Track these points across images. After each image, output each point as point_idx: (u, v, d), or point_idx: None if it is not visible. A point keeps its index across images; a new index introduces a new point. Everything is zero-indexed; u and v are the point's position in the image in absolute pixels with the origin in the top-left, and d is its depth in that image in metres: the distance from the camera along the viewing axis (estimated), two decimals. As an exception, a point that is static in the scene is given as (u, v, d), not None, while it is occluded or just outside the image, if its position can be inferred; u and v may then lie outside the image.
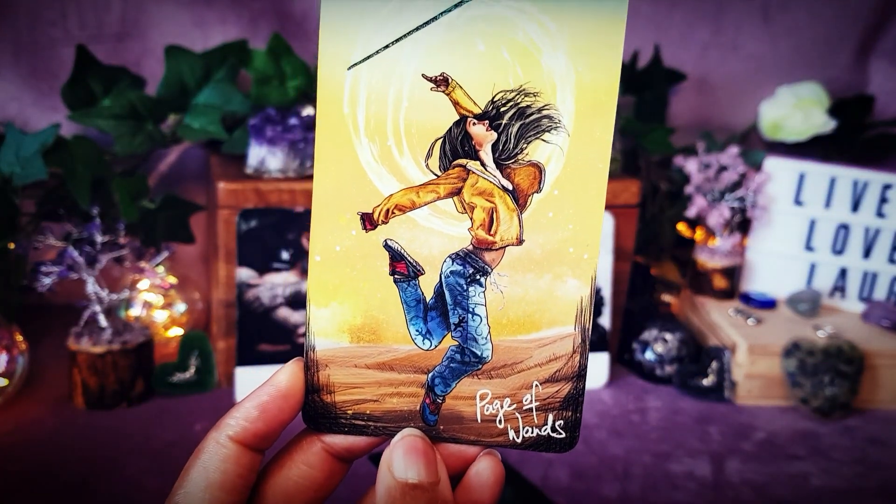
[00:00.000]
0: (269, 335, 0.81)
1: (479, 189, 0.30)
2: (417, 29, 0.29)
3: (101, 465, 0.69)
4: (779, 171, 1.00)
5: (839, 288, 1.01)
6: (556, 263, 0.31)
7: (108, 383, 0.78)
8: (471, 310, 0.31)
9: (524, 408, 0.32)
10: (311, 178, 0.82)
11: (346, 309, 0.31)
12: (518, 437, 0.32)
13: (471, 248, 0.31)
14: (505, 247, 0.31)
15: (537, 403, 0.32)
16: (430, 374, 0.32)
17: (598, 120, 0.29)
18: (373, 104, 0.29)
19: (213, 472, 0.29)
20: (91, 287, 0.78)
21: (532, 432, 0.32)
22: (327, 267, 0.31)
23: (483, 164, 0.30)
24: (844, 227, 1.00)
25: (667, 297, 1.07)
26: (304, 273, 0.81)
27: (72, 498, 0.64)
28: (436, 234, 0.31)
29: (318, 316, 0.31)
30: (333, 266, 0.31)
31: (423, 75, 0.29)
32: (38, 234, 0.78)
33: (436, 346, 0.31)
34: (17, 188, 0.75)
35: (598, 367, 0.90)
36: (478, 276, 0.31)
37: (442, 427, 0.32)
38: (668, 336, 0.93)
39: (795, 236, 1.01)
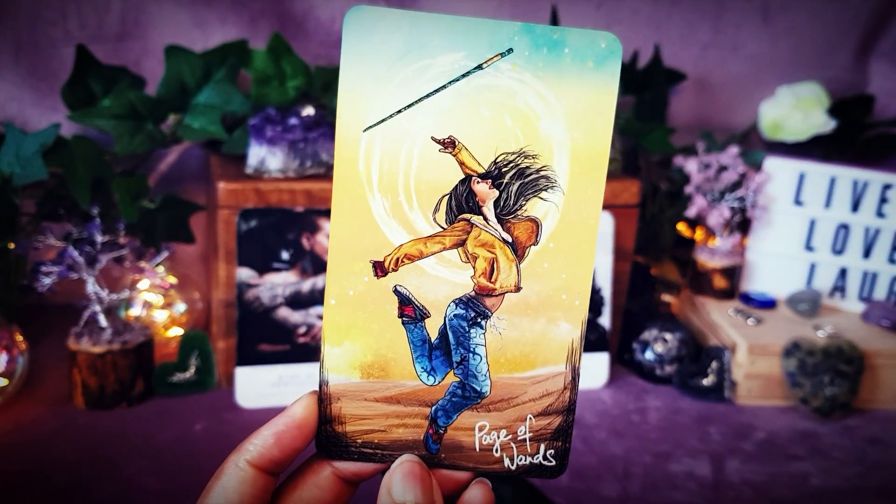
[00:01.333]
0: (269, 335, 0.81)
1: (481, 241, 0.33)
2: (428, 96, 0.32)
3: (101, 464, 0.69)
4: (779, 171, 1.01)
5: (839, 288, 1.01)
6: (550, 308, 0.34)
7: (107, 383, 0.78)
8: (472, 349, 0.34)
9: (519, 438, 0.35)
10: (311, 178, 0.82)
11: (358, 347, 0.34)
12: (513, 465, 0.35)
13: (473, 294, 0.34)
14: (504, 293, 0.34)
15: (531, 434, 0.35)
16: (433, 407, 0.34)
17: (591, 180, 0.33)
18: (386, 163, 0.32)
19: (231, 493, 0.32)
20: (91, 287, 0.78)
21: (525, 460, 0.35)
22: (341, 309, 0.34)
23: (486, 219, 0.33)
24: (844, 227, 1.01)
25: (667, 297, 1.07)
26: (303, 273, 0.81)
27: (72, 498, 0.64)
28: (441, 282, 0.34)
29: (332, 354, 0.34)
30: (347, 309, 0.34)
31: (432, 138, 0.32)
32: (38, 233, 0.78)
33: (439, 382, 0.34)
34: (17, 188, 0.75)
35: (598, 367, 0.90)
36: (479, 320, 0.34)
37: (444, 455, 0.35)
38: (668, 336, 0.93)
39: (795, 236, 1.02)
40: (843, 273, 1.01)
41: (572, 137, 0.32)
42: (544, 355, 0.34)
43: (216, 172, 0.84)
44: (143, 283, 0.89)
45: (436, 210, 0.33)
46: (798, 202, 1.01)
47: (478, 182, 0.33)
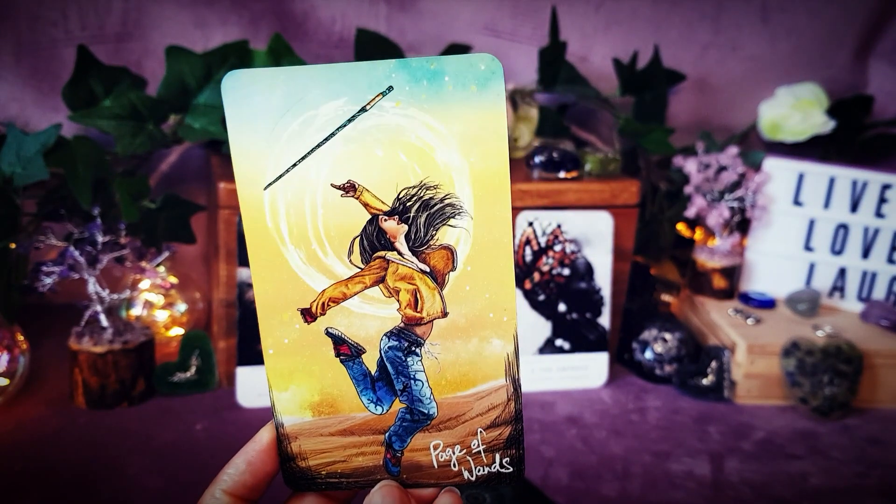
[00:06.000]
0: (270, 335, 0.81)
1: (400, 275, 0.34)
2: (319, 146, 0.33)
3: (102, 464, 0.69)
4: (778, 172, 1.01)
5: (838, 288, 1.02)
6: (480, 328, 0.35)
7: (108, 383, 0.78)
8: (412, 377, 0.35)
9: (473, 451, 0.36)
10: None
11: (304, 390, 0.35)
12: (472, 476, 0.36)
13: (402, 325, 0.35)
14: (432, 320, 0.35)
15: (484, 446, 0.36)
16: (387, 434, 0.36)
17: (496, 202, 0.33)
18: (292, 215, 0.33)
19: None
20: (92, 287, 0.78)
21: (484, 471, 0.36)
22: (280, 357, 0.35)
23: (400, 253, 0.34)
24: (843, 227, 1.01)
25: (666, 297, 1.07)
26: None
27: (73, 497, 0.64)
28: (370, 318, 0.35)
29: (281, 398, 0.35)
30: (285, 356, 0.35)
31: (332, 185, 0.33)
32: (39, 233, 0.78)
33: (387, 410, 0.36)
34: (18, 188, 0.75)
35: (598, 366, 0.90)
36: (413, 348, 0.35)
37: (405, 476, 0.36)
38: (668, 336, 0.93)
39: (794, 236, 1.02)
40: (842, 273, 1.01)
41: (469, 163, 0.33)
42: (483, 372, 0.35)
43: (217, 173, 0.84)
44: (144, 283, 0.89)
45: (350, 252, 0.34)
46: (797, 202, 1.01)
47: (385, 220, 0.34)
